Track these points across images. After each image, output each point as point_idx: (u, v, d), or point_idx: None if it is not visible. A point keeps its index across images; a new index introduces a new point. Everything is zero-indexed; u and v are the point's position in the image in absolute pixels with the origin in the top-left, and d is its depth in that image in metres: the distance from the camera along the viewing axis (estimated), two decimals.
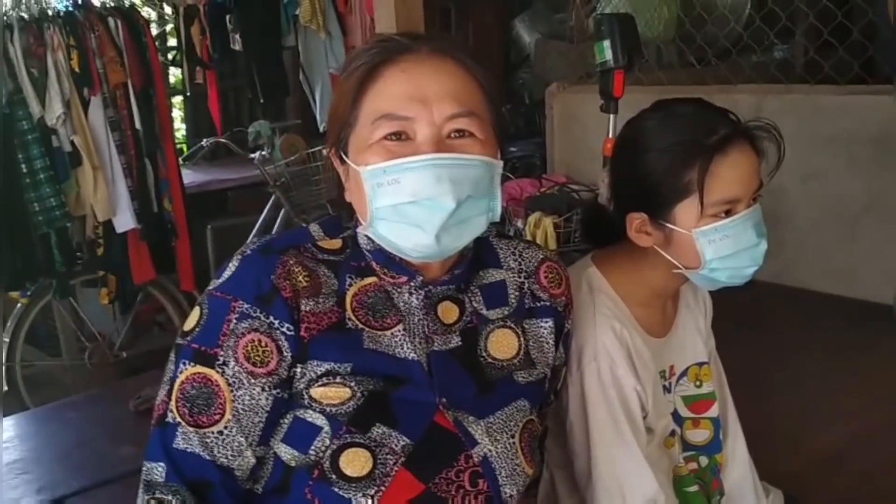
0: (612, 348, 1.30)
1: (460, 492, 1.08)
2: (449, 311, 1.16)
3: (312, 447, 1.05)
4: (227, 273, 1.09)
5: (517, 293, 1.22)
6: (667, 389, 1.42)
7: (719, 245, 1.27)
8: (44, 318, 3.77)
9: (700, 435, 1.45)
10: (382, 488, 1.04)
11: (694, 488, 1.41)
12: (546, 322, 1.23)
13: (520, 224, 3.15)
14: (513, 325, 1.20)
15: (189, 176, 4.26)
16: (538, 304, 1.23)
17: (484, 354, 1.17)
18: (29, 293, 3.53)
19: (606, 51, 2.79)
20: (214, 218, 4.66)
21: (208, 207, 4.58)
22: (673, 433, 1.41)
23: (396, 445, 1.06)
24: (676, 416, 1.43)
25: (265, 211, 4.33)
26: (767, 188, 1.32)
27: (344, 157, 1.11)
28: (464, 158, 1.05)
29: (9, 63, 3.26)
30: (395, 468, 1.05)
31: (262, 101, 4.65)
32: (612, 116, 2.86)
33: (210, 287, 1.10)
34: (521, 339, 1.20)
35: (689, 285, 1.42)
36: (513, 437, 1.13)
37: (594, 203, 1.45)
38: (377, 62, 1.07)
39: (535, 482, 1.24)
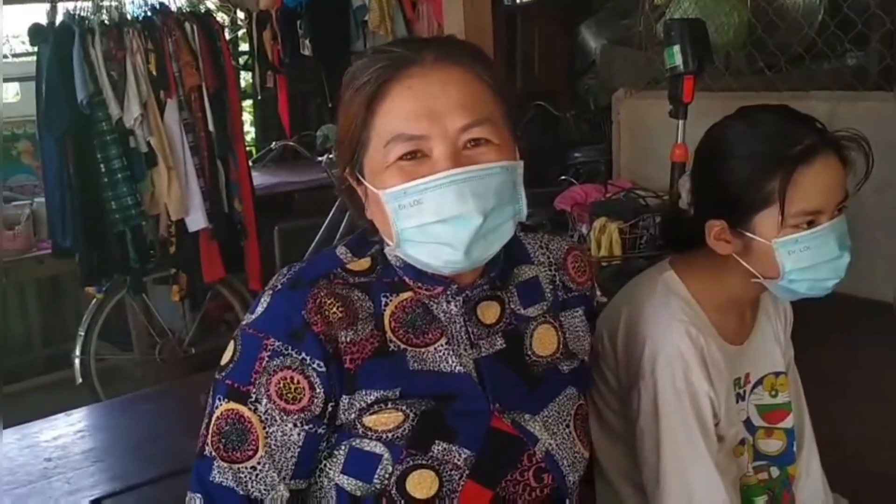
0: (688, 353, 1.28)
1: (526, 490, 1.09)
2: (489, 311, 1.16)
3: (376, 476, 1.05)
4: (259, 309, 1.09)
5: (551, 287, 1.23)
6: (741, 397, 1.40)
7: (799, 256, 1.26)
8: (117, 313, 3.88)
9: (773, 445, 1.43)
10: None
11: (763, 499, 1.40)
12: (578, 311, 1.25)
13: (584, 229, 3.14)
14: (551, 320, 1.21)
15: (258, 178, 4.34)
16: (570, 295, 1.25)
17: (529, 353, 1.17)
18: (104, 289, 3.64)
19: (676, 56, 2.77)
20: (281, 219, 4.74)
21: (276, 209, 4.65)
22: (743, 441, 1.40)
23: (459, 459, 1.06)
24: (749, 425, 1.41)
25: (331, 213, 4.39)
26: None
27: (361, 178, 1.09)
28: (483, 169, 1.03)
29: (90, 66, 3.37)
30: (462, 482, 1.05)
31: (330, 105, 4.73)
32: (680, 122, 2.84)
33: (244, 322, 1.10)
34: (560, 332, 1.21)
35: (769, 293, 1.40)
36: (568, 426, 1.15)
37: (675, 208, 1.44)
38: (382, 80, 1.04)
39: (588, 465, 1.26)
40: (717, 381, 1.32)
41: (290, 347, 1.05)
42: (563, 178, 4.38)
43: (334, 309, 1.07)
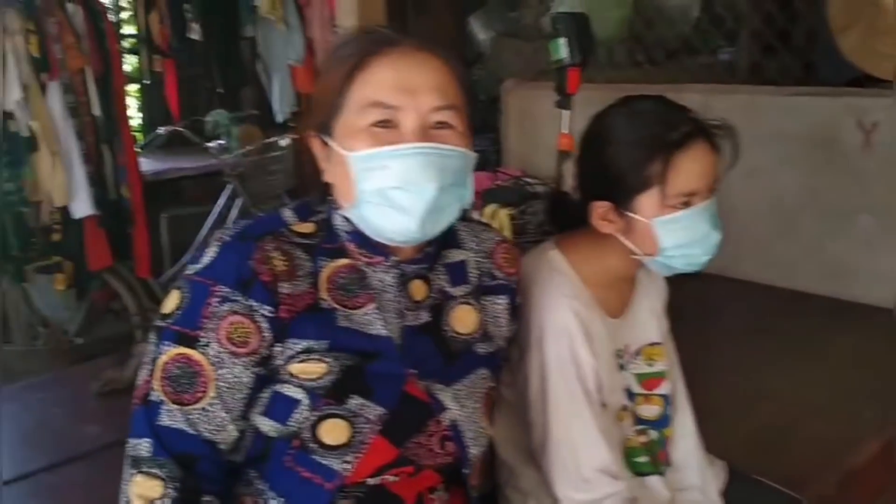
0: (572, 327, 1.37)
1: (430, 454, 1.17)
2: (419, 289, 1.23)
3: (292, 419, 1.12)
4: (206, 259, 1.14)
5: (476, 272, 1.31)
6: (621, 367, 1.50)
7: (676, 234, 1.36)
8: None
9: (651, 410, 1.54)
10: (359, 455, 1.11)
11: (643, 459, 1.50)
12: (501, 299, 1.33)
13: (476, 215, 3.24)
14: (473, 302, 1.29)
15: (145, 164, 4.23)
16: (495, 283, 1.33)
17: (447, 328, 1.25)
18: None
19: (562, 48, 2.87)
20: (169, 206, 4.65)
21: (163, 196, 4.56)
22: (625, 408, 1.50)
23: (372, 415, 1.13)
24: (629, 392, 1.51)
25: (221, 200, 4.35)
26: None
27: (327, 140, 1.16)
28: (446, 149, 1.12)
29: None
30: (371, 436, 1.12)
31: (219, 90, 4.66)
32: (565, 113, 2.95)
33: (189, 272, 1.14)
34: (480, 315, 1.29)
35: (645, 270, 1.50)
36: (477, 402, 1.23)
37: (560, 191, 1.53)
38: (366, 53, 1.13)
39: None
40: (600, 352, 1.42)
41: (238, 294, 1.11)
42: None
43: (278, 262, 1.13)
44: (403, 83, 1.12)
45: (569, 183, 1.48)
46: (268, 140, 4.24)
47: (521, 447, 1.46)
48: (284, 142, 4.26)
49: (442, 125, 1.14)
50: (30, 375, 3.45)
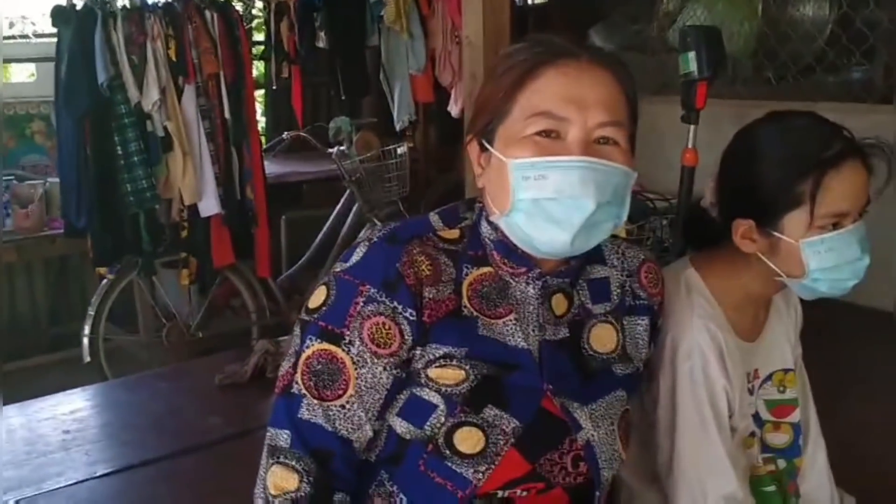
0: (707, 348, 1.34)
1: (562, 473, 1.14)
2: (560, 303, 1.21)
3: (428, 423, 1.12)
4: (354, 258, 1.15)
5: (619, 290, 1.28)
6: (749, 392, 1.45)
7: (824, 256, 1.31)
8: (122, 295, 3.88)
9: (780, 438, 1.49)
10: (492, 466, 1.11)
11: (771, 488, 1.45)
12: (643, 320, 1.29)
13: None
14: (613, 321, 1.26)
15: (268, 167, 4.35)
16: (637, 303, 1.29)
17: (586, 346, 1.22)
18: (116, 270, 3.67)
19: (691, 62, 2.80)
20: (289, 209, 4.77)
21: (283, 198, 4.67)
22: (752, 434, 1.45)
23: (507, 427, 1.12)
24: (757, 419, 1.47)
25: (339, 205, 4.43)
26: None
27: (487, 145, 1.16)
28: (610, 166, 1.09)
29: (111, 50, 3.40)
30: (506, 448, 1.11)
31: (343, 97, 4.76)
32: (692, 127, 2.88)
33: (337, 269, 1.16)
34: (620, 334, 1.26)
35: (781, 293, 1.46)
36: (612, 424, 1.20)
37: (697, 207, 1.49)
38: (539, 61, 1.12)
39: None
40: (734, 375, 1.37)
41: (383, 295, 1.12)
42: None
43: (423, 266, 1.14)
44: (574, 95, 1.10)
45: (706, 198, 1.44)
46: (385, 147, 4.29)
47: (642, 469, 1.43)
48: (401, 149, 4.30)
49: (606, 140, 1.11)
50: (154, 365, 3.61)
